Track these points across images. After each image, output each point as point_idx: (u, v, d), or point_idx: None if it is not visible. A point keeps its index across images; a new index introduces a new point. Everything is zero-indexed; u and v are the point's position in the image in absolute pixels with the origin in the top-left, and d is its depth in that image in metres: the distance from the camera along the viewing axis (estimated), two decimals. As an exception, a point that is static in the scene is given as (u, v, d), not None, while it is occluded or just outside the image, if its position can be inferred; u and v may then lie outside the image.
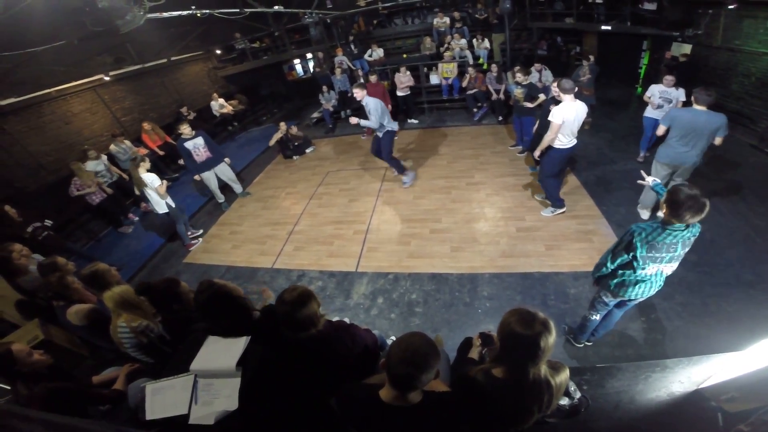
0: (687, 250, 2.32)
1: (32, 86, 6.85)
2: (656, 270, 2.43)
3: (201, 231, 6.35)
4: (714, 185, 5.19)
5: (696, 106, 3.89)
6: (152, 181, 5.28)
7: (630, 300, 2.71)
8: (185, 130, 6.17)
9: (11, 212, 5.12)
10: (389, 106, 7.93)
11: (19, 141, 6.81)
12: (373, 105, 5.87)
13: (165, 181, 5.49)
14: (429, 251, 4.94)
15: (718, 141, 3.90)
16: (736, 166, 5.63)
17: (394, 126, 6.19)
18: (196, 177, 6.49)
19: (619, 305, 2.92)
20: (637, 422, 1.92)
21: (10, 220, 5.09)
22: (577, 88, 4.51)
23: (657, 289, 2.61)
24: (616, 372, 2.21)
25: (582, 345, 3.37)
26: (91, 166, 6.82)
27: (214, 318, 2.04)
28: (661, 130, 4.21)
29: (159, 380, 1.94)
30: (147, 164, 5.44)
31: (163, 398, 1.87)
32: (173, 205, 5.61)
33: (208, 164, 6.48)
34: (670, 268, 2.44)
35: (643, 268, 2.40)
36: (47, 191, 6.93)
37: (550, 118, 4.35)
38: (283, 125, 8.72)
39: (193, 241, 6.04)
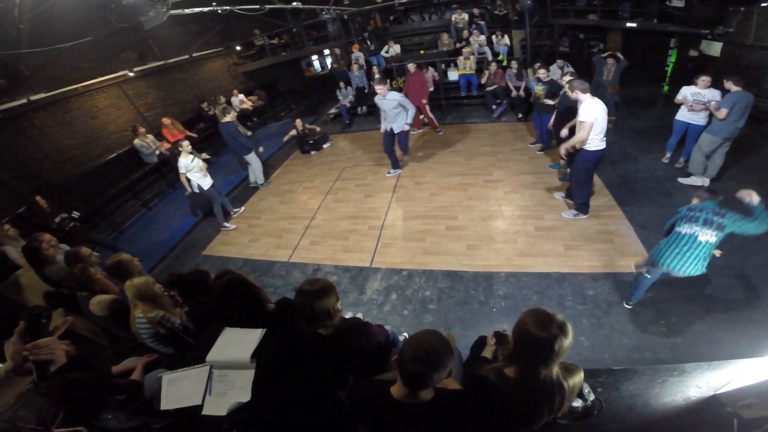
0: (722, 220, 2.92)
1: (60, 82, 7.05)
2: (691, 231, 3.01)
3: (233, 225, 6.58)
4: (745, 188, 5.00)
5: (736, 88, 4.73)
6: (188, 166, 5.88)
7: (666, 269, 3.15)
8: (232, 114, 6.69)
9: (42, 203, 5.30)
10: (426, 98, 8.12)
11: (47, 135, 7.04)
12: (399, 97, 6.04)
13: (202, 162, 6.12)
14: (444, 248, 4.92)
15: None
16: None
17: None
18: (261, 149, 7.30)
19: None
20: (650, 426, 1.89)
21: (40, 211, 5.27)
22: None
23: (695, 267, 3.03)
24: (632, 375, 2.17)
25: (631, 306, 3.68)
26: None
27: (230, 305, 2.08)
28: (723, 114, 4.76)
29: (175, 371, 1.99)
30: (188, 147, 5.92)
31: (178, 389, 1.91)
32: (207, 187, 6.12)
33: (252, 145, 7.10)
34: (707, 235, 2.95)
35: (681, 226, 3.08)
36: (74, 184, 7.14)
37: (581, 118, 4.19)
38: (299, 122, 8.84)
39: (226, 224, 6.42)
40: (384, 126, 6.60)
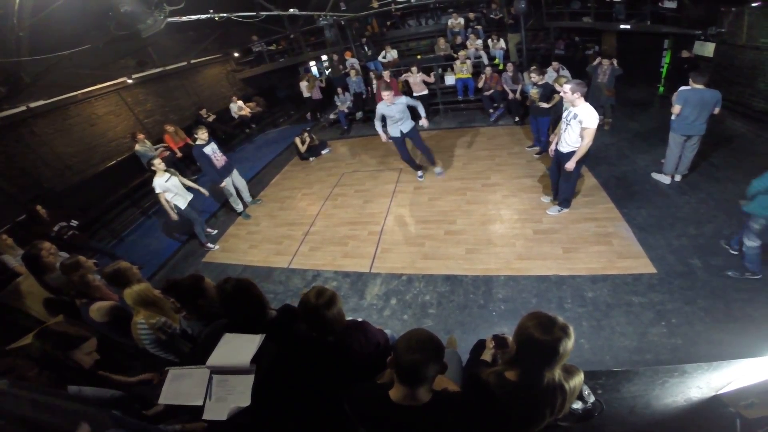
0: None
1: (59, 89, 7.07)
2: None
3: (216, 245, 6.16)
4: (742, 188, 5.02)
5: (696, 86, 4.77)
6: (163, 186, 5.35)
7: None
8: (203, 135, 6.01)
9: (41, 211, 5.31)
10: None
11: (47, 142, 7.06)
12: (406, 99, 6.01)
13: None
14: (443, 253, 4.92)
15: (717, 111, 4.77)
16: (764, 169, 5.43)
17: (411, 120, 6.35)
18: (222, 184, 6.31)
19: None
20: (652, 427, 1.89)
21: (39, 219, 5.28)
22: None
23: None
24: (633, 376, 2.17)
25: (760, 276, 3.67)
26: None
27: (235, 309, 2.09)
28: (677, 110, 4.89)
29: (181, 367, 2.01)
30: (161, 165, 5.41)
31: (179, 386, 1.93)
32: (184, 206, 5.60)
33: (228, 169, 6.40)
34: None
35: None
36: (73, 191, 7.16)
37: (587, 125, 4.17)
38: (305, 134, 9.00)
39: (209, 244, 6.06)
40: (389, 133, 6.25)
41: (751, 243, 3.56)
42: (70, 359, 2.30)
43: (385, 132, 6.24)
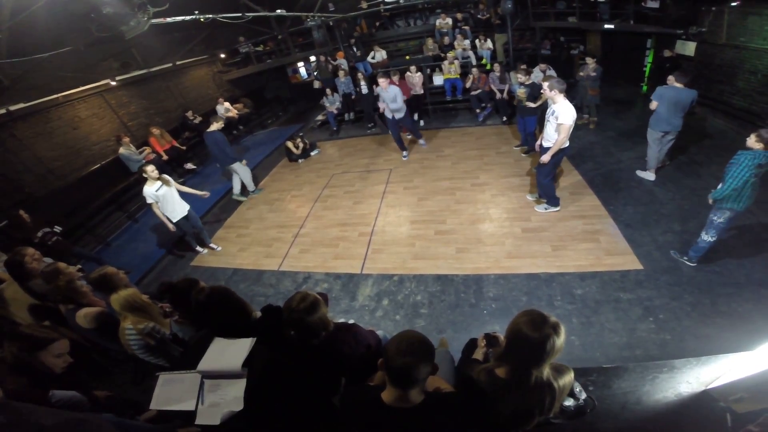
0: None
1: (40, 92, 6.91)
2: (756, 178, 3.32)
3: (204, 249, 6.02)
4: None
5: (676, 84, 4.98)
6: (154, 195, 5.03)
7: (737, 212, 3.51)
8: (218, 124, 6.64)
9: (24, 217, 5.18)
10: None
11: (28, 146, 6.89)
12: (397, 90, 6.99)
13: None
14: (434, 252, 4.93)
15: (694, 106, 5.07)
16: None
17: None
18: (243, 162, 7.09)
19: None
20: (644, 423, 1.91)
21: (22, 225, 5.16)
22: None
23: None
24: (623, 372, 2.19)
25: (695, 264, 3.95)
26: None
27: (214, 318, 2.06)
28: (653, 105, 5.15)
29: (172, 372, 1.98)
30: (154, 173, 5.03)
31: (170, 391, 1.90)
32: (177, 219, 5.31)
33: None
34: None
35: (753, 179, 3.30)
36: (57, 196, 7.00)
37: (562, 121, 4.32)
38: (298, 139, 9.05)
39: (198, 248, 5.96)
40: (387, 112, 7.25)
41: (708, 238, 3.74)
42: (39, 362, 2.21)
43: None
